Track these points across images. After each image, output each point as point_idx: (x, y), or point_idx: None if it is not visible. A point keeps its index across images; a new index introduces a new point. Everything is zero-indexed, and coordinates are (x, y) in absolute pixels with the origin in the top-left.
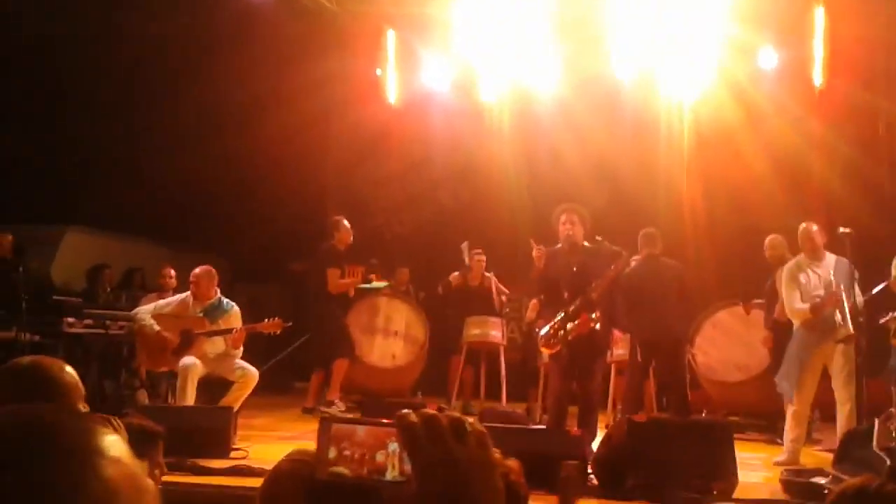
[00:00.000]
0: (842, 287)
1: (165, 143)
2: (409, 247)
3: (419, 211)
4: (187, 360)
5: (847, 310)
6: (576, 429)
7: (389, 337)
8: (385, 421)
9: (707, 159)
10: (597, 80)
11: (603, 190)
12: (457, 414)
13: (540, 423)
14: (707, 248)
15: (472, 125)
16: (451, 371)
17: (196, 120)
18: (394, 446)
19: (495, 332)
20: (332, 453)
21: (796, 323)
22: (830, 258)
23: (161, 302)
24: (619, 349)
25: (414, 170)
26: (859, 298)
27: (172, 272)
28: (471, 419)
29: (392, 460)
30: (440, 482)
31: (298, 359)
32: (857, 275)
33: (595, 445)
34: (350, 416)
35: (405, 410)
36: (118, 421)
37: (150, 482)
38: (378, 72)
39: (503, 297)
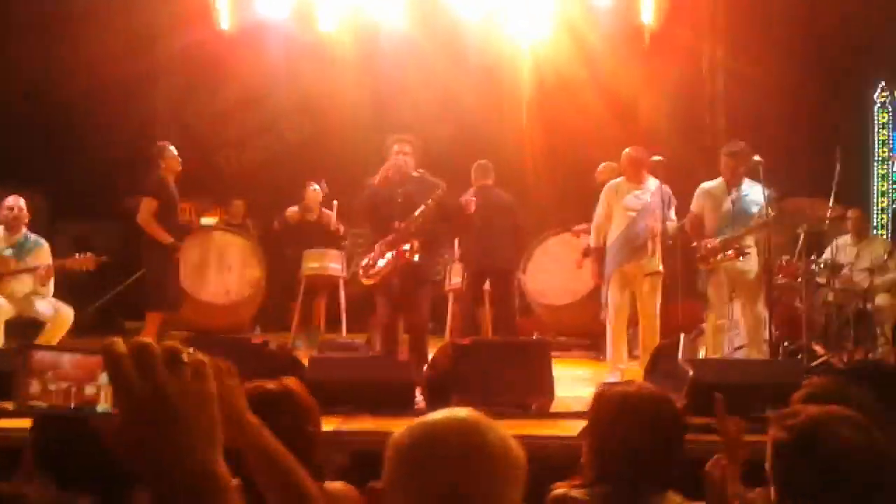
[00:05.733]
0: (655, 213)
1: None
2: (249, 182)
3: (259, 145)
4: None
5: (659, 247)
6: (404, 355)
7: (223, 272)
8: (93, 349)
9: (546, 96)
10: (441, 15)
11: (447, 124)
12: (173, 343)
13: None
14: (546, 181)
15: (312, 56)
16: (291, 307)
17: (4, 38)
18: (105, 377)
19: (334, 264)
20: (36, 387)
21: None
22: (652, 182)
23: None
24: (456, 277)
25: (253, 103)
26: (672, 223)
27: None
28: (190, 349)
29: (105, 392)
30: (146, 415)
31: (130, 298)
32: (674, 201)
33: None
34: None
35: (113, 339)
36: None
37: None
38: None
39: (340, 230)
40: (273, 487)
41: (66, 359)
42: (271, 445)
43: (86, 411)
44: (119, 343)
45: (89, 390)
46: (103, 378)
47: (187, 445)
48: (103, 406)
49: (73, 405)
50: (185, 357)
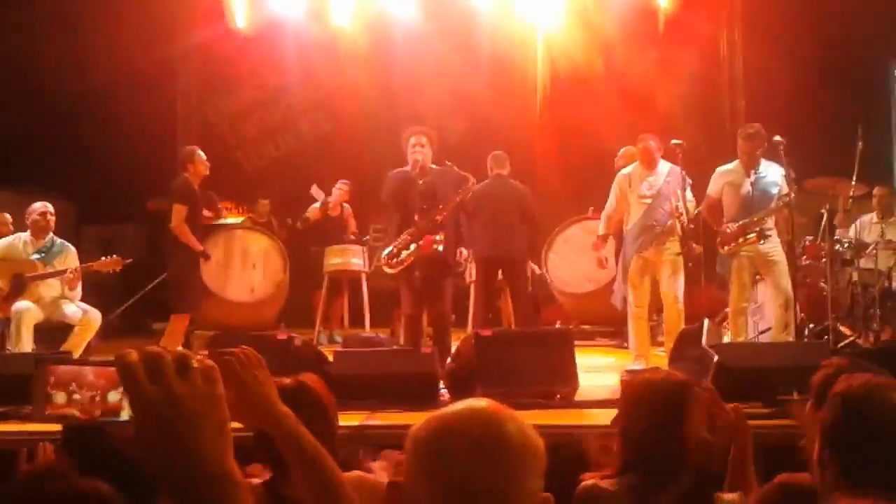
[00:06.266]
0: (677, 193)
1: None
2: (269, 180)
3: (278, 143)
4: (20, 304)
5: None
6: (428, 347)
7: (247, 270)
8: (109, 361)
9: (560, 85)
10: (452, 7)
11: (461, 115)
12: (183, 351)
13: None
14: (561, 171)
15: (326, 53)
16: (313, 303)
17: (22, 44)
18: None
19: (356, 259)
20: (62, 398)
21: (625, 228)
22: (664, 166)
23: None
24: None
25: (271, 101)
26: (691, 205)
27: (8, 217)
28: (199, 356)
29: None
30: (158, 420)
31: (156, 299)
32: (689, 181)
33: None
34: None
35: (126, 350)
36: None
37: None
38: None
39: (354, 230)
40: (304, 476)
41: (87, 370)
42: (302, 435)
43: (111, 421)
44: (131, 353)
45: (113, 397)
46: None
47: (199, 446)
48: (127, 413)
49: (98, 413)
50: (194, 363)
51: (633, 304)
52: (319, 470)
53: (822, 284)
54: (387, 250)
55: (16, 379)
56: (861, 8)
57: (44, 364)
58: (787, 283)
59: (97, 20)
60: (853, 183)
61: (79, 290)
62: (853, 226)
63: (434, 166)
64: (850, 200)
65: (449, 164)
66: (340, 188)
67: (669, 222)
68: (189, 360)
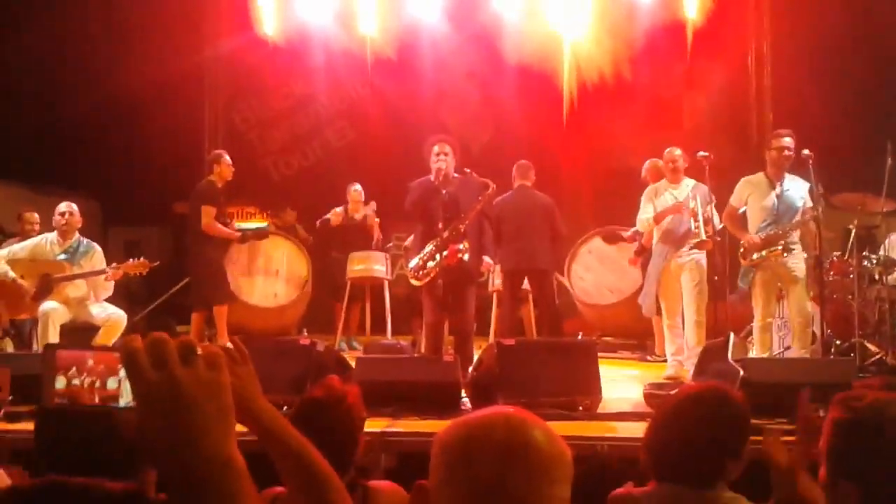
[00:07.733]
0: (697, 200)
1: (20, 73)
2: (296, 187)
3: (305, 151)
4: (47, 304)
5: (701, 220)
6: (450, 356)
7: (270, 276)
8: (112, 346)
9: (587, 95)
10: (479, 15)
11: (486, 125)
12: (188, 337)
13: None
14: (586, 182)
15: (354, 61)
16: (336, 308)
17: (55, 47)
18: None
19: (379, 266)
20: (61, 382)
21: (654, 237)
22: (689, 182)
23: (15, 247)
24: (500, 278)
25: (298, 109)
26: (716, 220)
27: (36, 217)
28: (205, 343)
29: (126, 386)
30: (160, 406)
31: (180, 302)
32: (713, 199)
33: None
34: None
35: (131, 335)
36: None
37: None
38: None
39: (379, 236)
40: (289, 473)
41: (89, 355)
42: (286, 431)
43: (109, 407)
44: (136, 339)
45: (111, 384)
46: (123, 372)
47: (201, 432)
48: (125, 400)
49: (97, 399)
50: (198, 349)
51: (666, 318)
52: (305, 466)
53: (850, 301)
54: (412, 262)
55: (34, 378)
56: (891, 21)
57: (52, 350)
58: (806, 301)
59: (128, 27)
60: (882, 199)
61: (111, 287)
62: (882, 243)
63: (456, 175)
64: (880, 217)
65: (468, 171)
66: (356, 191)
67: (692, 225)
68: (193, 346)
